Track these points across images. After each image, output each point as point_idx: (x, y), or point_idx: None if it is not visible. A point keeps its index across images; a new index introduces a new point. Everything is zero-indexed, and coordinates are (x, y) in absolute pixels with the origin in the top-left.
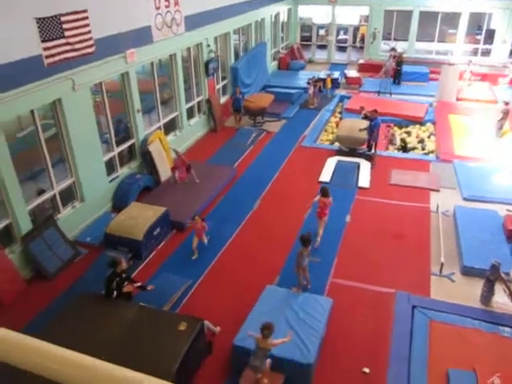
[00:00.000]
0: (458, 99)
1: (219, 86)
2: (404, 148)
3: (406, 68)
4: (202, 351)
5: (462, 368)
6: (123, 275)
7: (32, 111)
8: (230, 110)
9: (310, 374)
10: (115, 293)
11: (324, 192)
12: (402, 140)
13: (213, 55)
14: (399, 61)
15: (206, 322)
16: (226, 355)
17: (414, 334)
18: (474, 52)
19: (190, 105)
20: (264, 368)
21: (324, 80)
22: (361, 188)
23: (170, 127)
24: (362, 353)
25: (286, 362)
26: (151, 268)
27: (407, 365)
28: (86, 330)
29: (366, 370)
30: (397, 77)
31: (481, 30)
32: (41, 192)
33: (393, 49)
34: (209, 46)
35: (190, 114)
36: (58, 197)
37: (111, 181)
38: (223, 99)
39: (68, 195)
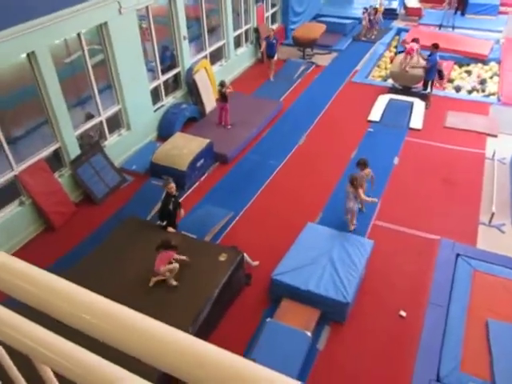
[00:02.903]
0: None
1: (268, 13)
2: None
3: None
4: (240, 282)
5: (503, 320)
6: (176, 197)
7: (79, 34)
8: (264, 57)
9: (346, 311)
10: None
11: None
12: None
13: None
14: None
15: (245, 255)
16: (263, 288)
17: (455, 282)
18: None
19: (237, 33)
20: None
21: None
22: (412, 129)
23: (216, 56)
24: (399, 296)
25: (323, 298)
26: (194, 199)
27: (445, 312)
28: (133, 255)
29: (403, 313)
30: (462, 6)
31: None
32: (89, 117)
33: None
34: None
35: (237, 43)
36: (104, 124)
37: (156, 110)
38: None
39: (114, 123)
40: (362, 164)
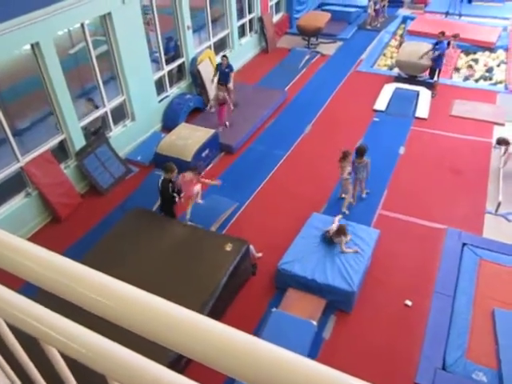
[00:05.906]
0: None
1: (272, 2)
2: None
3: None
4: (246, 272)
5: (509, 309)
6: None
7: (82, 25)
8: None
9: (352, 301)
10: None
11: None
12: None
13: None
14: None
15: (250, 247)
16: (269, 278)
17: (461, 271)
18: None
19: (241, 22)
20: None
21: None
22: (418, 118)
23: (220, 47)
24: (405, 285)
25: (329, 287)
26: None
27: (451, 301)
28: (139, 245)
29: (409, 302)
30: None
31: None
32: (94, 108)
33: None
34: None
35: (241, 32)
36: (109, 115)
37: (161, 100)
38: (276, 17)
39: (119, 114)
40: (359, 151)
